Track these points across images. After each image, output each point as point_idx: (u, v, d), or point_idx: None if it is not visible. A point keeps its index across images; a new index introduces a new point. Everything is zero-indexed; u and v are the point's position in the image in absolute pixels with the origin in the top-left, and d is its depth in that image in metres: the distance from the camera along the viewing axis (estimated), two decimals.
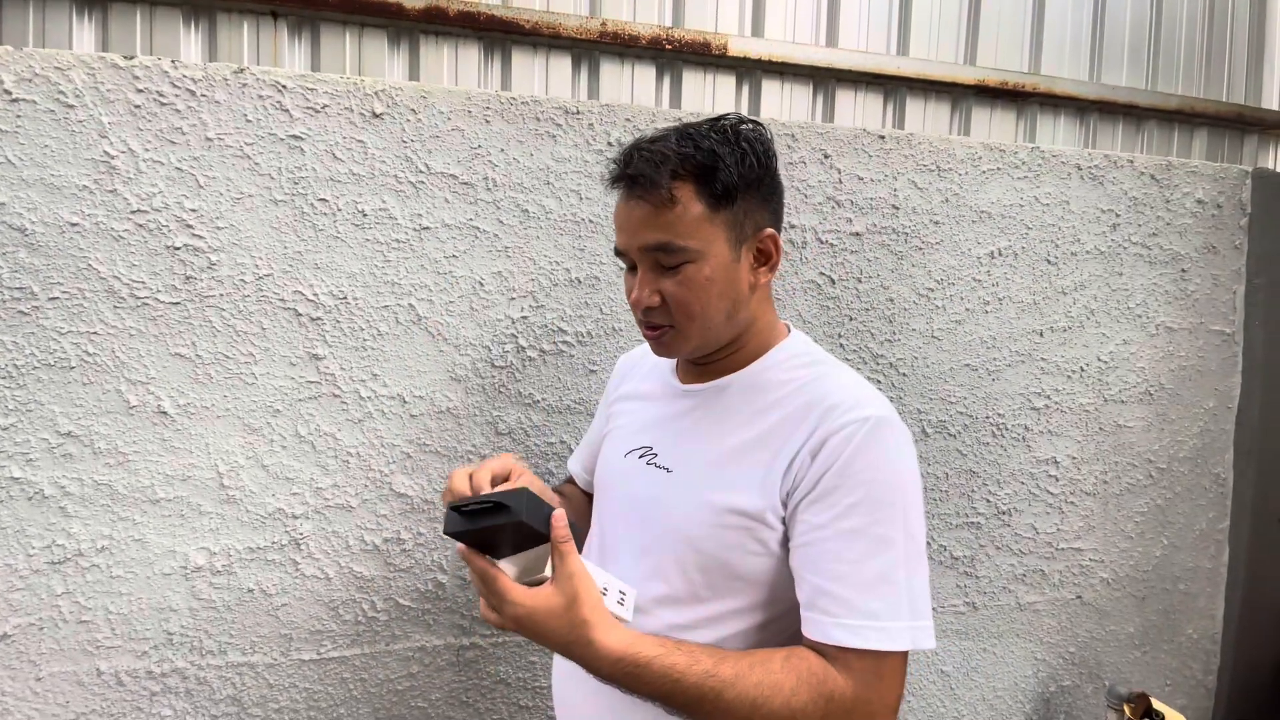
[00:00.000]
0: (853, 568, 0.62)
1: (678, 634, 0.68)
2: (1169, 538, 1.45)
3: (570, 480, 0.98)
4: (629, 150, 0.70)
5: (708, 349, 0.73)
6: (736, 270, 0.70)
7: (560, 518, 0.58)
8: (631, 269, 0.72)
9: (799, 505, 0.66)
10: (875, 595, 0.62)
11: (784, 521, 0.67)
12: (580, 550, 0.69)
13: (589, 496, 0.92)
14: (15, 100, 0.90)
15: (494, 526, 0.56)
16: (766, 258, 0.72)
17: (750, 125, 0.70)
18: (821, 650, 0.63)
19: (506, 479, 0.71)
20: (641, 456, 0.77)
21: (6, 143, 0.90)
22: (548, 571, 0.59)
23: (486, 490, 0.67)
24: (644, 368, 0.87)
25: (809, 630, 0.64)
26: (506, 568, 0.59)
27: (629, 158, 0.69)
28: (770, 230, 0.72)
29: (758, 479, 0.67)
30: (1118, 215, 1.35)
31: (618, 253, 0.73)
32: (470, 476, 0.69)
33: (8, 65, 0.90)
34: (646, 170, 0.67)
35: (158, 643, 1.00)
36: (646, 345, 0.91)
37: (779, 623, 0.70)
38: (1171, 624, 1.47)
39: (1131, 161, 1.35)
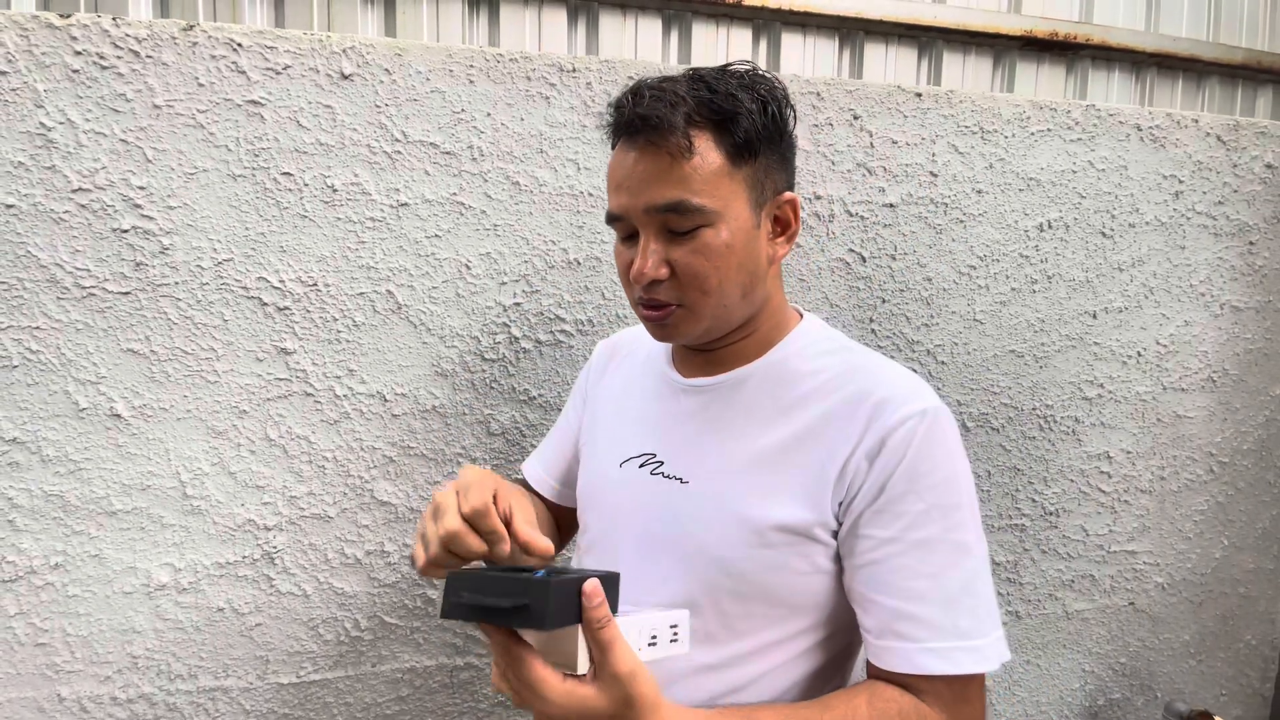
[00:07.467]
0: (932, 583, 0.56)
1: (712, 675, 0.60)
2: (1229, 538, 1.32)
3: (522, 484, 0.83)
4: (633, 91, 0.59)
5: (718, 332, 0.64)
6: (756, 238, 0.61)
7: (594, 594, 0.47)
8: (628, 237, 0.62)
9: (859, 519, 0.58)
10: (962, 611, 0.55)
11: (835, 536, 0.59)
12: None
13: (547, 504, 0.82)
14: None
15: (510, 609, 0.45)
16: (785, 226, 0.64)
17: (765, 73, 0.62)
18: (904, 682, 0.56)
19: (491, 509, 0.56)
20: (643, 465, 0.67)
21: None
22: (581, 659, 0.48)
23: (493, 525, 0.52)
24: (630, 358, 0.77)
25: (886, 661, 0.56)
26: (528, 639, 0.49)
27: (636, 97, 0.58)
28: (791, 194, 0.64)
29: (802, 488, 0.59)
30: (1181, 182, 1.21)
31: (611, 219, 0.62)
32: (464, 517, 0.52)
33: None
34: (660, 111, 0.56)
35: (122, 667, 0.91)
36: (631, 331, 0.81)
37: (825, 647, 0.62)
38: (1229, 630, 1.35)
39: (1196, 121, 1.20)
